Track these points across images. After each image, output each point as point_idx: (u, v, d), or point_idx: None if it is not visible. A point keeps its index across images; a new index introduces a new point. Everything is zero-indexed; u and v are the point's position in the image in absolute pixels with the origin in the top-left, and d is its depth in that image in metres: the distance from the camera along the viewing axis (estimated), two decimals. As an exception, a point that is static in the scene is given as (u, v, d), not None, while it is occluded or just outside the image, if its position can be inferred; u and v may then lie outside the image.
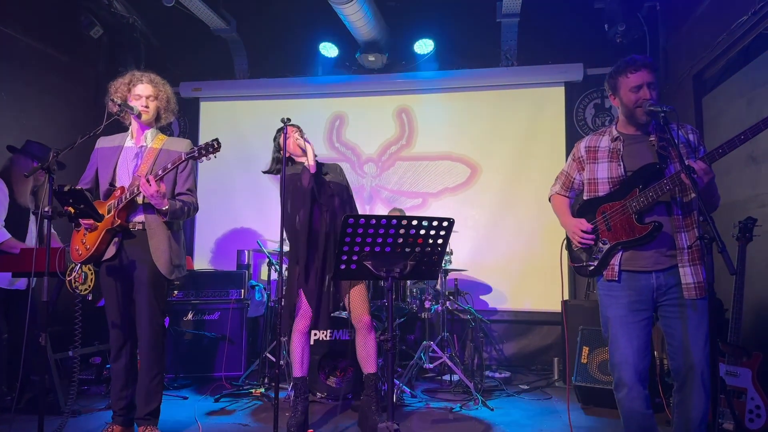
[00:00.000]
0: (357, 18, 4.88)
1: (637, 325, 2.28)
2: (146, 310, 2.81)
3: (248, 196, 5.92)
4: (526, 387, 4.37)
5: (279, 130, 3.36)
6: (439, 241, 2.37)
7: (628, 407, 2.27)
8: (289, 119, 2.79)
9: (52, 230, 3.88)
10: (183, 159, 2.68)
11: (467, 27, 5.49)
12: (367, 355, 3.18)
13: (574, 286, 5.17)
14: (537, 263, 5.29)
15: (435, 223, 2.32)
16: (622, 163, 2.35)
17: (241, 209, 5.91)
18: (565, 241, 2.56)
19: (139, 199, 2.80)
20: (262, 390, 3.92)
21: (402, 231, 2.30)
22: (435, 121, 5.74)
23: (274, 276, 4.57)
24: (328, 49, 5.67)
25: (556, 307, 4.95)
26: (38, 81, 4.96)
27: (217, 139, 2.62)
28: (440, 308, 4.43)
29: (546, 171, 5.37)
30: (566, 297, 5.07)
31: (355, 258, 2.33)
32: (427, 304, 4.33)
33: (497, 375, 4.71)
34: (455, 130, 5.68)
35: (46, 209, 2.25)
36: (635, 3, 4.85)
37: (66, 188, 2.33)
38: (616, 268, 2.31)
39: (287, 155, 3.18)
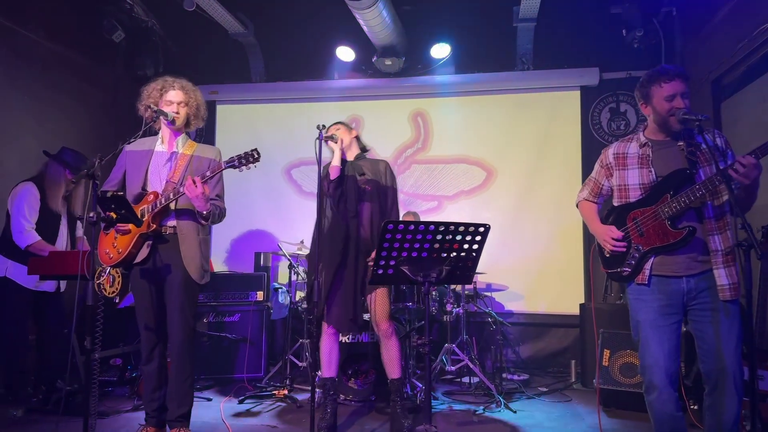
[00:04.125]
0: (376, 23, 4.92)
1: (667, 328, 2.31)
2: (178, 313, 2.84)
3: (265, 199, 5.96)
4: (545, 389, 4.40)
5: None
6: (475, 246, 2.41)
7: (659, 410, 2.30)
8: (324, 125, 2.83)
9: (81, 234, 3.92)
10: (223, 167, 2.72)
11: (484, 31, 5.53)
12: (389, 360, 3.20)
13: (591, 289, 5.20)
14: (553, 266, 5.34)
15: (471, 229, 2.36)
16: (652, 169, 2.39)
17: (257, 212, 5.95)
18: (597, 247, 2.59)
19: (172, 205, 2.83)
20: (286, 392, 3.96)
21: (439, 237, 2.34)
22: (451, 124, 5.78)
23: (294, 278, 4.60)
24: (345, 53, 5.68)
25: (572, 310, 4.98)
26: (58, 84, 5.01)
27: (256, 149, 2.65)
28: (461, 311, 4.46)
29: (561, 174, 5.43)
30: (585, 300, 5.10)
31: (392, 263, 2.37)
32: (448, 307, 4.37)
33: (516, 377, 4.73)
34: (471, 134, 5.71)
35: (91, 215, 2.29)
36: (652, 8, 4.88)
37: (109, 194, 2.37)
38: (647, 273, 2.35)
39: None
